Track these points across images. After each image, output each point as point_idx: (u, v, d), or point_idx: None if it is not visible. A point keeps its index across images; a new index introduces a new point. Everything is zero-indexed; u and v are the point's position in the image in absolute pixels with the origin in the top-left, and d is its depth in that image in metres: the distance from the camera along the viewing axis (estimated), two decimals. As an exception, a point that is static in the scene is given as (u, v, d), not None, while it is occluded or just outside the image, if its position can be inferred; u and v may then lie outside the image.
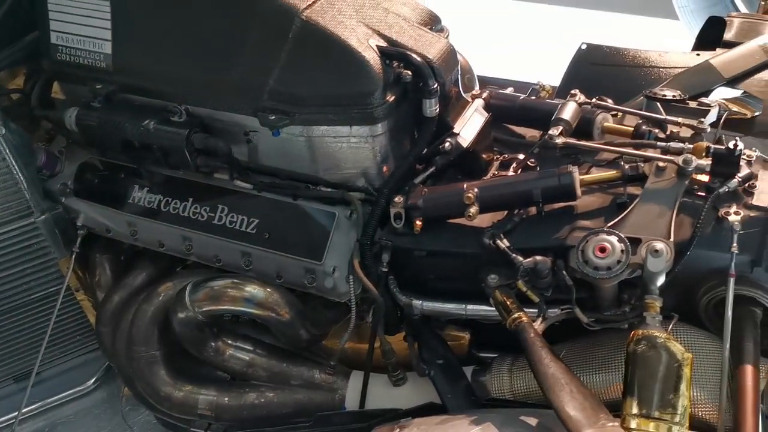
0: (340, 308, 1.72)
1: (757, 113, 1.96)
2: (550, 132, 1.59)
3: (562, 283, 1.47)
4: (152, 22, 1.73)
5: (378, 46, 1.58)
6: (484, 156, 1.77)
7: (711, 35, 2.27)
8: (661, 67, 2.15)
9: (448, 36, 1.75)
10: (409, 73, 1.57)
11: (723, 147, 1.49)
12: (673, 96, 1.77)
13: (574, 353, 1.60)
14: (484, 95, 1.82)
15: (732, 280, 1.40)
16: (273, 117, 1.58)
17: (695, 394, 1.46)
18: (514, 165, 1.72)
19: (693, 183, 1.52)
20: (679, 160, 1.48)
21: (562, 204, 1.57)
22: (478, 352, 1.81)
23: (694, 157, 1.48)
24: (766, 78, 2.04)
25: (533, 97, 1.87)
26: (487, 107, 1.80)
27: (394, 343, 1.79)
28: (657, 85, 2.03)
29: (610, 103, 1.83)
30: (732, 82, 2.04)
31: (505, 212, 1.60)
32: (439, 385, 1.62)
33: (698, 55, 2.13)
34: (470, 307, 1.64)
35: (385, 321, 1.73)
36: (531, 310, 1.53)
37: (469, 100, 1.77)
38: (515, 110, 1.84)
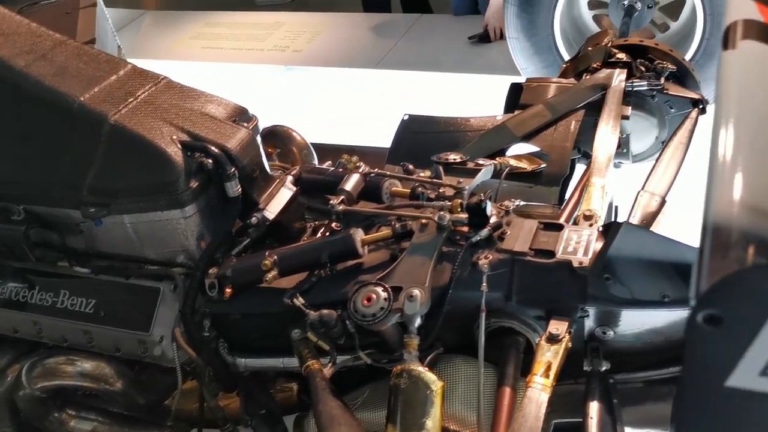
0: (175, 373, 1.91)
1: (543, 166, 2.27)
2: (330, 201, 1.84)
3: (349, 331, 1.70)
4: (-12, 133, 1.95)
5: (181, 141, 1.82)
6: (297, 225, 2.00)
7: (516, 98, 2.58)
8: (469, 131, 2.43)
9: (255, 125, 1.99)
10: (210, 161, 1.82)
11: (474, 202, 1.75)
12: (454, 159, 2.04)
13: (375, 392, 1.81)
14: (294, 171, 2.07)
15: (483, 315, 1.64)
16: (92, 209, 1.80)
17: (467, 416, 1.69)
18: (322, 230, 1.95)
19: (457, 234, 1.78)
20: (436, 216, 1.73)
21: (352, 262, 1.81)
22: (309, 399, 2.01)
23: (447, 214, 1.72)
24: (552, 134, 2.35)
25: (341, 170, 2.12)
26: (297, 181, 2.04)
27: (233, 398, 1.99)
28: (467, 145, 2.33)
29: (410, 168, 2.10)
30: (524, 139, 2.35)
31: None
32: (259, 433, 1.82)
33: (498, 117, 2.44)
34: (285, 360, 1.84)
35: (221, 380, 1.94)
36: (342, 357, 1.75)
37: (277, 177, 2.01)
38: (325, 182, 2.08)
